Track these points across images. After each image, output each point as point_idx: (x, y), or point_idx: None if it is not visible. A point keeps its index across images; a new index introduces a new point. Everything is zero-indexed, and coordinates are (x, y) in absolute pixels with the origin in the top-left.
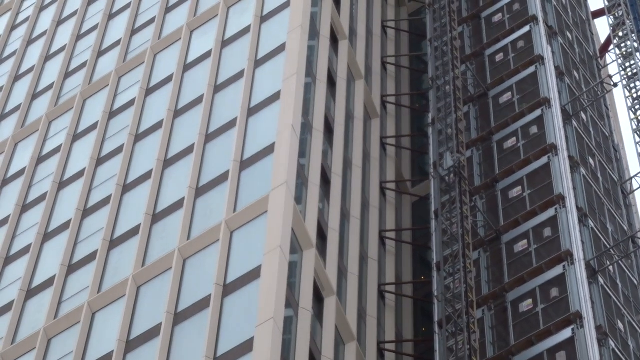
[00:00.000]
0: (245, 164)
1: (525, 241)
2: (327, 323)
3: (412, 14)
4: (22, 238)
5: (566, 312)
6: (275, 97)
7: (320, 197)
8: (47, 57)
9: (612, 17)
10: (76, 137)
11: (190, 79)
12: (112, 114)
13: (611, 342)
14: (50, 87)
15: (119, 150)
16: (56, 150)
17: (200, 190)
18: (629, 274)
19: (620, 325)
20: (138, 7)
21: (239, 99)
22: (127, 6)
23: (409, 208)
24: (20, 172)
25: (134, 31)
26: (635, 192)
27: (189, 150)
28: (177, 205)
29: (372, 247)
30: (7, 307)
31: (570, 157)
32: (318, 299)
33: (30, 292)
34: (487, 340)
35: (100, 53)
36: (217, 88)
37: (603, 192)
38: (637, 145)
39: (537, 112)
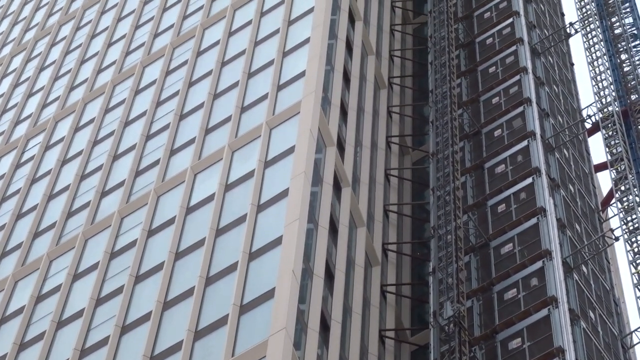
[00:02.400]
0: (245, 308)
1: None
2: None
3: (415, 162)
4: None
5: None
6: (277, 242)
7: (319, 343)
8: (51, 196)
9: (614, 171)
10: (76, 276)
11: (192, 221)
12: (113, 255)
13: None
14: (52, 226)
15: (118, 291)
16: (56, 290)
17: (199, 334)
18: None
19: None
20: (143, 149)
21: (241, 243)
22: (132, 148)
23: (408, 357)
24: (19, 311)
25: (138, 172)
26: (636, 347)
27: (189, 293)
28: (176, 348)
29: None
30: None
31: (571, 310)
32: None
33: None
34: None
35: (104, 194)
36: (219, 231)
37: (603, 346)
38: (638, 300)
39: (538, 264)
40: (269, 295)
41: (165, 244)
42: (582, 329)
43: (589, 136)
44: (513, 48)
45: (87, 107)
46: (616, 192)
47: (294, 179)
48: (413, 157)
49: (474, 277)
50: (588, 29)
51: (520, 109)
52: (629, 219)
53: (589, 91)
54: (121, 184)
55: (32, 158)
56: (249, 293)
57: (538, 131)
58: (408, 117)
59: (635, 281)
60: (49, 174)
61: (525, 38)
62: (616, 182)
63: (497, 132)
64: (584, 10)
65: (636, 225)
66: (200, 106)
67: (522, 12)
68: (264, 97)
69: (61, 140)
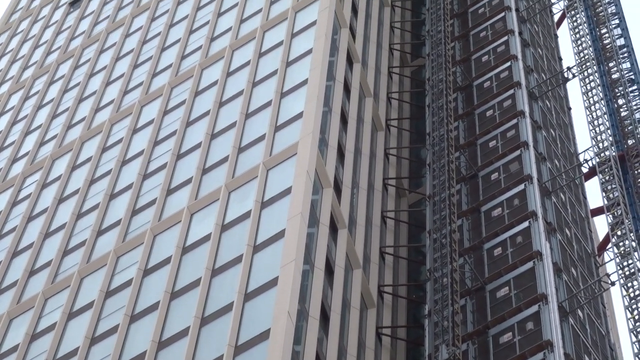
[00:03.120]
0: (240, 349)
1: None
2: None
3: (412, 205)
4: None
5: None
6: (273, 283)
7: None
8: (47, 235)
9: (611, 215)
10: (71, 315)
11: (188, 261)
12: (108, 294)
13: None
14: (47, 264)
15: (113, 330)
16: (51, 328)
17: None
18: None
19: None
20: (140, 188)
21: (236, 283)
22: (129, 187)
23: None
24: (14, 349)
25: (134, 211)
26: None
27: (184, 333)
28: None
29: None
30: None
31: (566, 355)
32: None
33: None
34: None
35: (100, 232)
36: (215, 272)
37: None
38: (634, 345)
39: (534, 308)
40: (264, 336)
41: (160, 284)
42: None
43: (585, 180)
44: (510, 92)
45: (85, 145)
46: (612, 237)
47: (290, 220)
48: (410, 200)
49: (469, 321)
50: (585, 74)
51: (517, 152)
52: (625, 263)
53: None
54: (117, 223)
55: (28, 196)
56: (244, 334)
57: (535, 175)
58: (405, 159)
59: (630, 326)
60: (45, 212)
61: (523, 82)
62: (612, 226)
63: (494, 176)
64: (581, 54)
65: (632, 270)
66: (198, 146)
67: (519, 56)
68: (262, 137)
69: (58, 178)
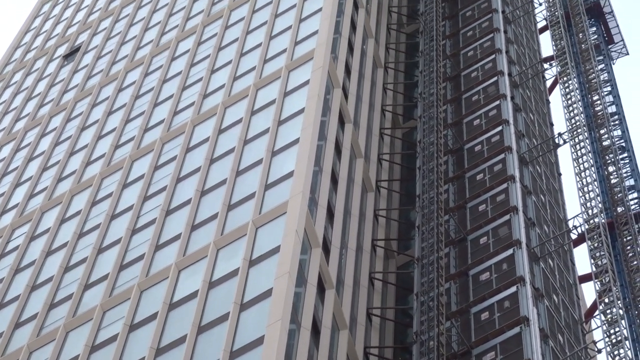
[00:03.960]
0: None
1: None
2: None
3: (400, 267)
4: None
5: None
6: (259, 342)
7: None
8: (33, 287)
9: (599, 282)
10: None
11: (174, 317)
12: (93, 348)
13: None
14: (33, 317)
15: None
16: None
17: None
18: None
19: None
20: (128, 243)
21: (222, 341)
22: (117, 241)
23: None
24: None
25: (122, 266)
26: None
27: None
28: None
29: None
30: None
31: None
32: None
33: None
34: None
35: (87, 286)
36: (201, 329)
37: None
38: None
39: None
40: None
41: (146, 340)
42: None
43: (574, 247)
44: (501, 156)
45: (74, 198)
46: (600, 304)
47: (278, 279)
48: (398, 262)
49: None
50: (576, 140)
51: (506, 217)
52: (612, 331)
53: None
54: (105, 277)
55: (16, 248)
56: None
57: (524, 240)
58: (394, 221)
59: None
60: (33, 264)
61: (514, 146)
62: (600, 294)
63: (482, 240)
64: (573, 121)
65: (619, 337)
66: (187, 202)
67: (511, 121)
68: (251, 195)
69: (47, 231)
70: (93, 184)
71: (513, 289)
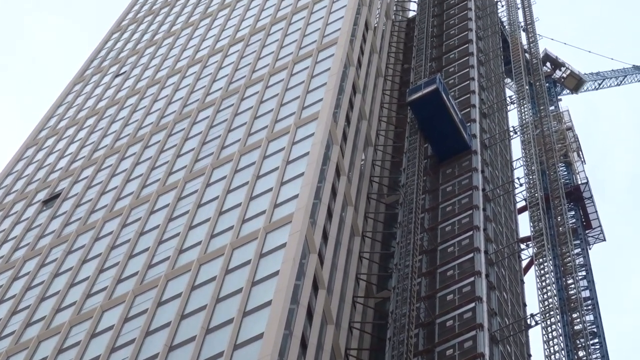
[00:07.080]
0: None
1: None
2: None
3: None
4: None
5: None
6: None
7: None
8: None
9: None
10: None
11: None
12: None
13: None
14: None
15: None
16: None
17: None
18: None
19: None
20: (120, 329)
21: None
22: (110, 328)
23: None
24: None
25: (113, 349)
26: None
27: None
28: None
29: None
30: None
31: None
32: None
33: None
34: None
35: None
36: None
37: None
38: None
39: None
40: None
41: None
42: None
43: None
44: (472, 333)
45: (41, 345)
46: None
47: (267, 325)
48: None
49: None
50: (548, 322)
51: None
52: None
53: None
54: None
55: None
56: None
57: None
58: None
59: None
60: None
61: (486, 324)
62: None
63: None
64: (546, 303)
65: None
66: (155, 357)
67: (484, 298)
68: (219, 354)
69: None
70: (61, 331)
71: None
